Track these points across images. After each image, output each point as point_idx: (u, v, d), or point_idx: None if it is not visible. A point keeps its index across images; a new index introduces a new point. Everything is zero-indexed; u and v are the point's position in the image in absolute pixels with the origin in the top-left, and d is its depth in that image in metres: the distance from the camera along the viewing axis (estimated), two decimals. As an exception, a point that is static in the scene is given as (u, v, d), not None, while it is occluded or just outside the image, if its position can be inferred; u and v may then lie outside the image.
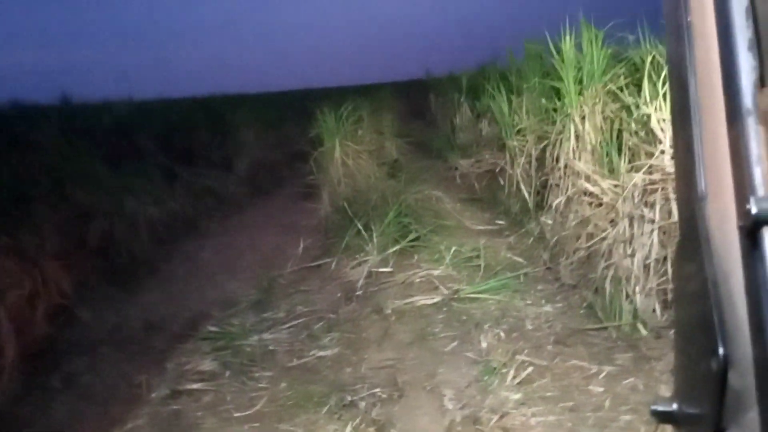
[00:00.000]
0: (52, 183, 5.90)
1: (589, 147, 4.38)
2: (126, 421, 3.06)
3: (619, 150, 4.10)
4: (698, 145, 0.56)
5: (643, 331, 3.26)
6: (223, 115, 10.57)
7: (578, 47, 4.70)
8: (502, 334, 3.43)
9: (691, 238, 0.56)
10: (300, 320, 4.06)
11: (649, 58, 3.77)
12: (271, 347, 3.68)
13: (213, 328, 4.05)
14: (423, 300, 4.06)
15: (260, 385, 3.25)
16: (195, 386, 3.28)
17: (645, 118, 3.73)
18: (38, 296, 4.35)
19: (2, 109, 8.76)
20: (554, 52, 4.88)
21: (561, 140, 4.73)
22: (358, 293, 4.37)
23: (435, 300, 4.04)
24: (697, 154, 0.56)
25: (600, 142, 4.32)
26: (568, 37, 4.75)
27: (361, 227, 5.09)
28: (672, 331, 3.16)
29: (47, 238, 5.00)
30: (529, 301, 3.91)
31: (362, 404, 2.93)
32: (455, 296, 4.03)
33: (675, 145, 0.68)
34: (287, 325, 4.00)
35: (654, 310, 3.36)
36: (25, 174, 5.86)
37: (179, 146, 8.98)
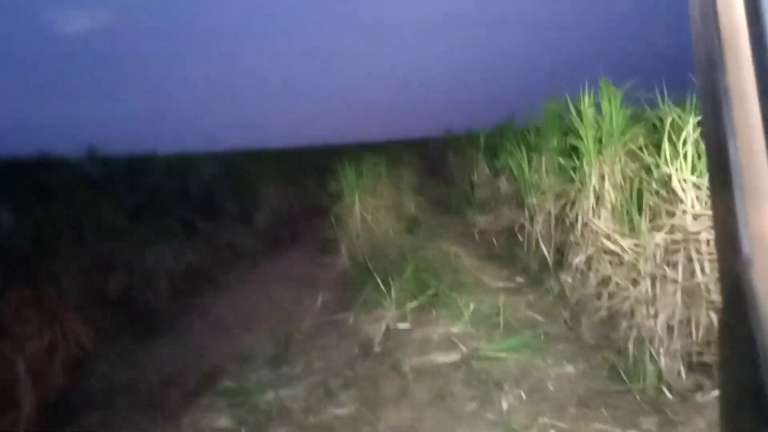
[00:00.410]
0: (74, 234, 5.99)
1: (609, 206, 4.38)
2: (139, 477, 3.02)
3: (640, 209, 4.09)
4: (741, 209, 0.56)
5: (669, 395, 3.18)
6: (243, 169, 10.73)
7: (597, 106, 4.75)
8: (523, 395, 3.36)
9: (737, 304, 0.55)
10: (317, 376, 4.02)
11: (669, 119, 3.79)
12: (287, 404, 3.63)
13: (229, 383, 4.02)
14: (442, 358, 4.00)
15: (276, 443, 3.20)
16: (210, 443, 3.24)
17: (666, 177, 3.73)
18: (56, 348, 4.36)
19: (29, 161, 8.93)
20: (573, 111, 4.92)
21: (581, 198, 4.72)
22: (375, 350, 4.32)
23: (454, 358, 3.98)
24: (740, 218, 0.56)
25: (620, 201, 4.31)
26: (587, 97, 4.80)
27: (379, 282, 5.07)
28: (699, 395, 3.09)
29: (67, 289, 5.04)
30: (550, 361, 3.84)
31: (380, 465, 2.87)
32: (475, 354, 3.97)
33: (714, 208, 0.68)
34: (304, 382, 3.96)
35: (679, 373, 3.29)
36: (47, 225, 5.96)
37: (200, 200, 9.10)
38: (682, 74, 3.89)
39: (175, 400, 3.96)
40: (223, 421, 3.46)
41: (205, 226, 8.04)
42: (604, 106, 4.60)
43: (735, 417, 0.60)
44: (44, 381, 4.12)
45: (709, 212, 3.36)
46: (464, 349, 4.07)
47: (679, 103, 3.96)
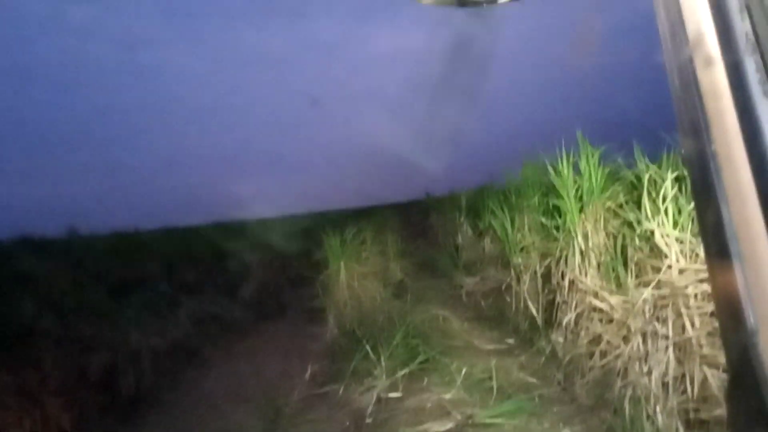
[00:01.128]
0: (55, 316, 5.88)
1: (594, 263, 4.39)
2: None
3: (625, 265, 4.10)
4: (741, 278, 0.55)
5: (669, 454, 3.11)
6: (226, 241, 10.68)
7: (574, 166, 4.83)
8: (521, 462, 3.28)
9: (744, 376, 0.54)
10: (308, 452, 3.90)
11: (646, 176, 3.85)
12: (279, 484, 3.51)
13: (218, 464, 3.88)
14: (435, 427, 3.90)
15: None
16: None
17: (648, 233, 3.76)
18: (38, 435, 4.21)
19: (10, 244, 8.86)
20: (552, 171, 5.00)
21: (566, 257, 4.74)
22: (367, 421, 4.22)
23: (448, 426, 3.89)
24: (741, 289, 0.55)
25: (605, 258, 4.33)
26: (565, 156, 4.89)
27: (368, 350, 5.00)
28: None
29: (48, 374, 4.91)
30: (546, 425, 3.76)
31: None
32: (469, 422, 3.89)
33: (713, 278, 0.67)
34: (295, 459, 3.84)
35: (677, 431, 3.23)
36: (28, 308, 5.85)
37: (183, 275, 9.02)
38: (656, 132, 3.99)
39: (161, 485, 3.82)
40: (213, 506, 3.32)
41: (190, 300, 7.94)
42: (583, 165, 4.68)
43: None
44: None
45: (694, 266, 3.38)
46: (458, 416, 3.98)
47: (655, 160, 4.05)
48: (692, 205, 3.60)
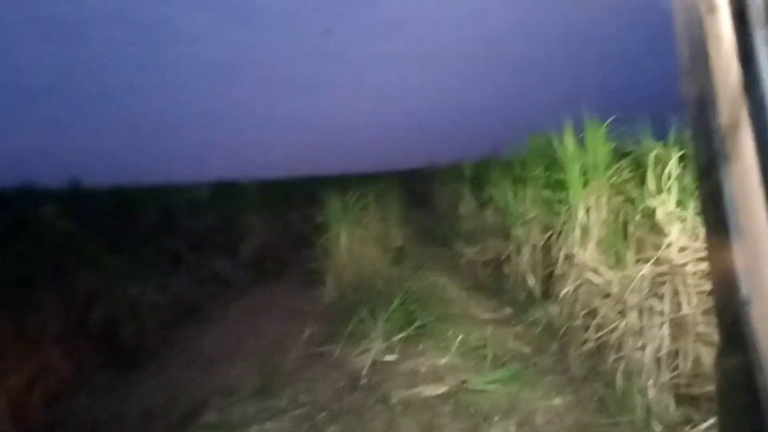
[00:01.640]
0: (56, 267, 5.92)
1: (595, 238, 4.40)
2: None
3: (625, 241, 4.12)
4: (737, 248, 0.55)
5: (657, 428, 3.16)
6: (228, 200, 10.71)
7: (580, 140, 4.81)
8: (512, 429, 3.34)
9: (734, 345, 0.55)
10: (302, 410, 3.96)
11: (652, 154, 3.84)
12: (272, 438, 3.58)
13: (213, 417, 3.95)
14: (429, 390, 3.96)
15: (261, 479, 3.13)
16: (194, 479, 3.17)
17: (650, 210, 3.77)
18: (37, 381, 4.28)
19: (12, 191, 8.88)
20: (557, 145, 4.98)
21: (566, 231, 4.75)
22: (362, 382, 4.28)
23: (442, 390, 3.94)
24: (737, 260, 0.55)
25: (606, 234, 4.35)
26: (570, 131, 4.87)
27: (366, 314, 5.04)
28: (688, 428, 3.08)
29: (49, 323, 4.96)
30: (538, 394, 3.81)
31: (368, 501, 2.82)
32: (462, 387, 3.94)
33: (709, 249, 0.67)
34: (289, 415, 3.90)
35: (667, 405, 3.28)
36: (30, 257, 5.89)
37: (185, 231, 9.05)
38: (664, 111, 3.97)
39: (158, 435, 3.89)
40: (208, 457, 3.39)
41: (191, 257, 7.99)
42: (588, 140, 4.66)
43: None
44: (25, 415, 4.03)
45: (695, 244, 3.40)
46: (452, 381, 4.03)
47: (662, 139, 4.03)
48: (696, 184, 3.60)
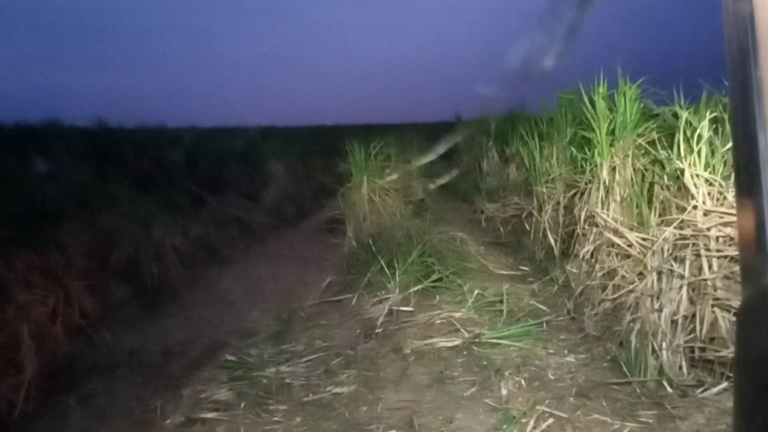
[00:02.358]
0: (80, 203, 6.00)
1: (618, 198, 4.35)
2: (139, 446, 3.04)
3: (650, 203, 4.07)
4: None
5: (669, 389, 3.17)
6: (252, 145, 10.72)
7: (611, 99, 4.71)
8: (523, 383, 3.37)
9: (758, 301, 0.54)
10: (318, 355, 4.03)
11: (683, 115, 3.75)
12: (287, 380, 3.65)
13: (231, 357, 4.04)
14: (443, 342, 4.00)
15: (275, 419, 3.21)
16: (210, 415, 3.26)
17: (678, 172, 3.70)
18: (60, 314, 4.39)
19: (39, 127, 8.96)
20: (587, 103, 4.88)
21: (590, 190, 4.70)
22: (377, 331, 4.33)
23: (455, 343, 3.98)
24: (766, 216, 0.54)
25: (630, 194, 4.29)
26: (601, 89, 4.76)
27: (384, 265, 5.07)
28: (700, 391, 3.08)
29: (72, 258, 5.05)
30: (551, 350, 3.84)
31: (377, 445, 2.88)
32: (476, 340, 3.97)
33: (739, 203, 0.66)
34: (305, 359, 3.98)
35: (680, 368, 3.29)
36: (54, 192, 5.97)
37: (208, 174, 9.11)
38: (697, 73, 3.87)
39: (176, 372, 3.99)
40: (223, 394, 3.48)
41: (213, 200, 8.05)
42: (619, 98, 4.56)
43: (750, 417, 0.59)
44: (47, 347, 4.15)
45: (720, 209, 3.34)
46: (466, 334, 4.07)
47: (693, 101, 3.94)
48: (726, 147, 3.52)
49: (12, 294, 4.11)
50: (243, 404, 3.37)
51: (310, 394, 3.47)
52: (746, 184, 0.62)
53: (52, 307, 4.35)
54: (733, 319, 3.14)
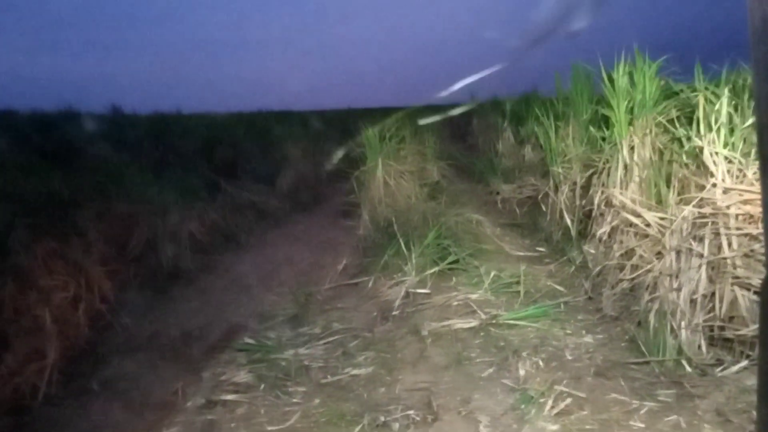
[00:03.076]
0: (98, 190, 6.05)
1: (637, 177, 4.31)
2: (161, 428, 3.08)
3: (668, 182, 4.02)
4: None
5: (688, 368, 3.16)
6: (267, 130, 10.73)
7: (629, 76, 4.65)
8: (541, 363, 3.36)
9: None
10: (335, 337, 4.05)
11: (702, 93, 3.69)
12: (306, 362, 3.68)
13: (249, 340, 4.07)
14: (460, 324, 4.00)
15: (294, 400, 3.24)
16: (230, 397, 3.29)
17: (697, 150, 3.65)
18: (81, 300, 4.44)
19: (55, 115, 9.01)
20: (606, 80, 4.82)
21: (608, 169, 4.66)
22: (394, 313, 4.34)
23: (472, 324, 3.98)
24: None
25: (648, 173, 4.25)
26: (621, 66, 4.69)
27: (400, 247, 5.07)
28: (719, 369, 3.06)
29: (91, 244, 5.11)
30: (569, 331, 3.83)
31: (395, 426, 2.89)
32: (493, 321, 3.97)
33: (763, 175, 0.65)
34: (323, 342, 4.00)
35: (699, 347, 3.26)
36: (72, 179, 6.02)
37: (224, 160, 9.14)
38: (717, 50, 3.81)
39: (196, 355, 4.04)
40: (243, 377, 3.51)
41: (229, 185, 8.08)
42: (638, 76, 4.49)
43: None
44: (69, 332, 4.21)
45: (740, 186, 3.30)
46: (483, 315, 4.06)
47: (714, 77, 3.88)
48: (746, 124, 3.47)
49: (33, 280, 4.17)
50: (262, 386, 3.40)
51: (329, 376, 3.49)
52: None
53: (73, 293, 4.41)
54: (753, 297, 3.11)
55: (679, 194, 3.81)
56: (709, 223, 3.36)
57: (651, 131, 4.32)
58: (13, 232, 4.42)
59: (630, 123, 4.51)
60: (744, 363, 3.07)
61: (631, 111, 4.54)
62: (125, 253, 5.66)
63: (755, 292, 3.10)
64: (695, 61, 4.12)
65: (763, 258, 2.97)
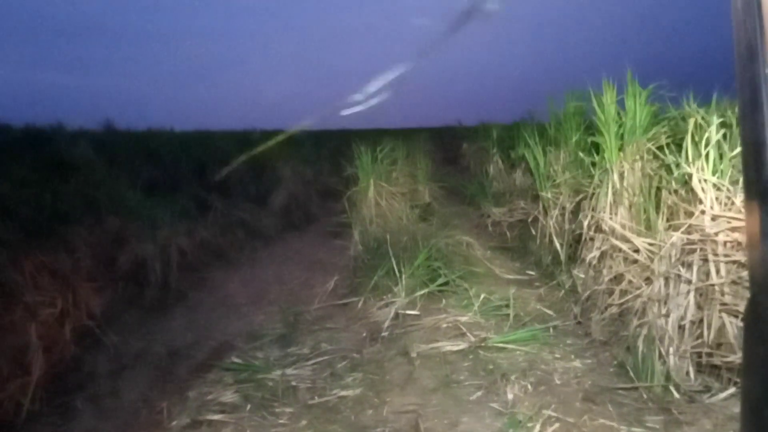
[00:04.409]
0: (89, 206, 6.03)
1: (626, 203, 4.34)
2: (145, 447, 3.05)
3: (657, 208, 4.05)
4: None
5: (676, 394, 3.16)
6: (259, 149, 10.72)
7: (620, 104, 4.70)
8: (529, 387, 3.36)
9: (765, 300, 0.54)
10: (324, 358, 4.03)
11: (692, 120, 3.74)
12: (293, 383, 3.65)
13: (237, 360, 4.04)
14: (449, 346, 4.00)
15: (281, 421, 3.21)
16: (215, 417, 3.26)
17: (686, 177, 3.69)
18: (68, 316, 4.40)
19: (46, 130, 8.98)
20: (596, 107, 4.87)
21: (598, 194, 4.69)
22: (383, 334, 4.33)
23: (461, 347, 3.98)
24: None
25: (638, 199, 4.28)
26: (610, 92, 4.74)
27: (390, 268, 5.07)
28: (707, 396, 3.07)
29: (80, 260, 5.08)
30: (557, 355, 3.83)
31: (383, 448, 2.88)
32: (482, 344, 3.97)
33: (747, 201, 0.66)
34: (311, 362, 3.98)
35: (687, 373, 3.27)
36: (63, 195, 6.00)
37: (214, 178, 9.12)
38: (707, 75, 3.86)
39: (182, 374, 4.00)
40: (230, 397, 3.48)
41: (220, 203, 8.07)
42: (628, 102, 4.54)
43: (757, 417, 0.59)
44: (54, 348, 4.16)
45: (728, 214, 3.33)
46: (472, 338, 4.06)
47: (704, 104, 3.92)
48: (734, 152, 3.51)
49: (20, 295, 4.13)
50: (249, 406, 3.37)
51: (316, 397, 3.46)
52: (754, 182, 0.62)
53: (60, 309, 4.37)
54: (741, 324, 3.12)
55: (668, 220, 3.83)
56: (698, 250, 3.38)
57: (641, 157, 4.36)
58: (0, 246, 4.38)
59: (620, 149, 4.55)
60: (731, 390, 3.07)
61: (621, 137, 4.58)
62: (114, 269, 5.63)
63: (742, 319, 3.12)
64: (685, 86, 4.17)
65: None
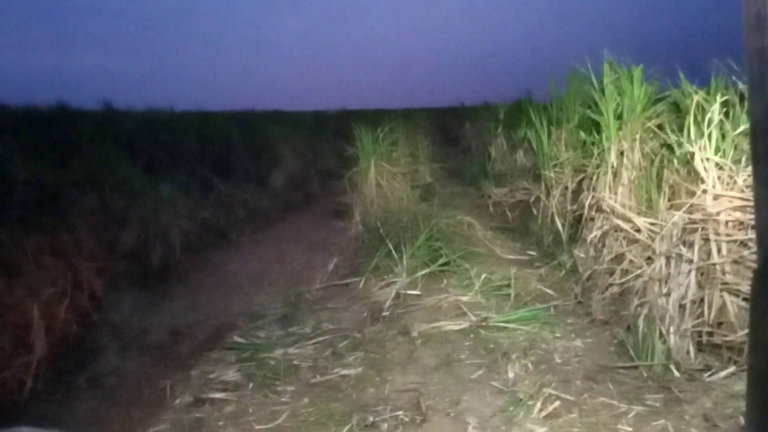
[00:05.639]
0: (90, 186, 6.02)
1: (627, 182, 4.33)
2: (148, 425, 3.07)
3: (659, 187, 4.04)
4: None
5: (676, 373, 3.17)
6: (261, 130, 10.70)
7: (617, 81, 4.68)
8: (530, 366, 3.37)
9: None
10: (325, 337, 4.05)
11: (694, 98, 3.71)
12: (295, 362, 3.67)
13: (239, 339, 4.06)
14: (450, 325, 4.01)
15: (282, 399, 3.23)
16: (218, 395, 3.28)
17: (688, 156, 3.68)
18: (70, 296, 4.42)
19: (47, 111, 8.93)
20: (596, 86, 4.85)
21: (599, 174, 4.68)
22: (384, 314, 4.34)
23: (462, 326, 3.99)
24: None
25: (638, 179, 4.27)
26: (608, 72, 4.72)
27: (391, 248, 5.08)
28: (707, 375, 3.08)
29: (82, 240, 5.09)
30: (558, 334, 3.84)
31: (384, 426, 2.89)
32: (483, 324, 3.98)
33: (755, 173, 0.65)
34: (312, 341, 3.99)
35: (688, 352, 3.28)
36: (65, 175, 5.99)
37: (216, 158, 9.11)
38: (707, 57, 3.83)
39: (185, 353, 4.03)
40: (232, 375, 3.50)
41: (221, 184, 8.07)
42: (624, 82, 4.52)
43: (763, 391, 0.59)
44: (57, 328, 4.19)
45: (730, 193, 3.32)
46: (473, 318, 4.07)
47: (704, 86, 3.90)
48: (737, 131, 3.49)
49: (22, 275, 4.14)
50: (251, 385, 3.39)
51: (318, 376, 3.48)
52: (763, 155, 0.61)
53: (62, 289, 4.39)
54: (742, 303, 3.13)
55: (669, 200, 3.82)
56: (699, 229, 3.38)
57: (640, 136, 4.34)
58: (2, 226, 4.39)
59: (619, 128, 4.54)
60: (732, 369, 3.08)
61: (620, 116, 4.57)
62: (115, 249, 5.64)
63: (744, 299, 3.12)
64: (684, 67, 4.15)
65: (752, 265, 2.99)
